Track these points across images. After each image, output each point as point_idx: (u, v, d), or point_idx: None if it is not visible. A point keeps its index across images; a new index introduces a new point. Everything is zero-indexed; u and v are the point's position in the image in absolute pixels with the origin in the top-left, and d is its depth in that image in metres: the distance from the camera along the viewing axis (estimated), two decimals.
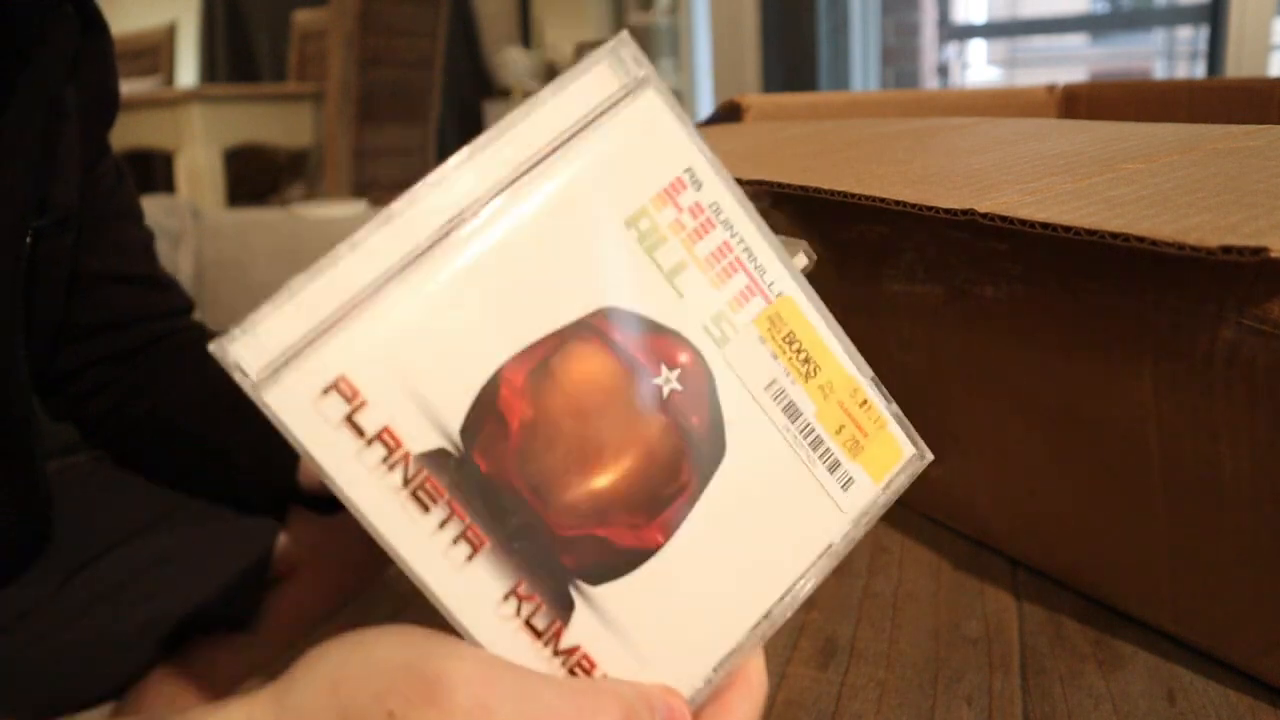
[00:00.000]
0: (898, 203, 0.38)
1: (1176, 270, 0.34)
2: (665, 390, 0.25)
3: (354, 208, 1.63)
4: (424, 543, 0.23)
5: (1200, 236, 0.28)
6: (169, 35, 2.97)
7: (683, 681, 0.26)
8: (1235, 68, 1.83)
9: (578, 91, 0.24)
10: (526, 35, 3.46)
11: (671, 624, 0.25)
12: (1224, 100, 0.70)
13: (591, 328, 0.24)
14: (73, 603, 0.53)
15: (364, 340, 0.22)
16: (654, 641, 0.25)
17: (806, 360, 0.27)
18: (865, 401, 0.28)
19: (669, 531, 0.25)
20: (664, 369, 0.25)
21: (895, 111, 0.80)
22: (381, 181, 2.32)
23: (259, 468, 0.55)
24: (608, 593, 0.25)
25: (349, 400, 0.22)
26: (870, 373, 0.28)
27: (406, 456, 0.22)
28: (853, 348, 0.28)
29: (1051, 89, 0.84)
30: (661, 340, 0.25)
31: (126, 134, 2.32)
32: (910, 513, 0.55)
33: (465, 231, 0.23)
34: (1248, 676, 0.39)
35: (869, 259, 0.49)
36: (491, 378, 0.23)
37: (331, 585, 0.60)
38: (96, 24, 0.53)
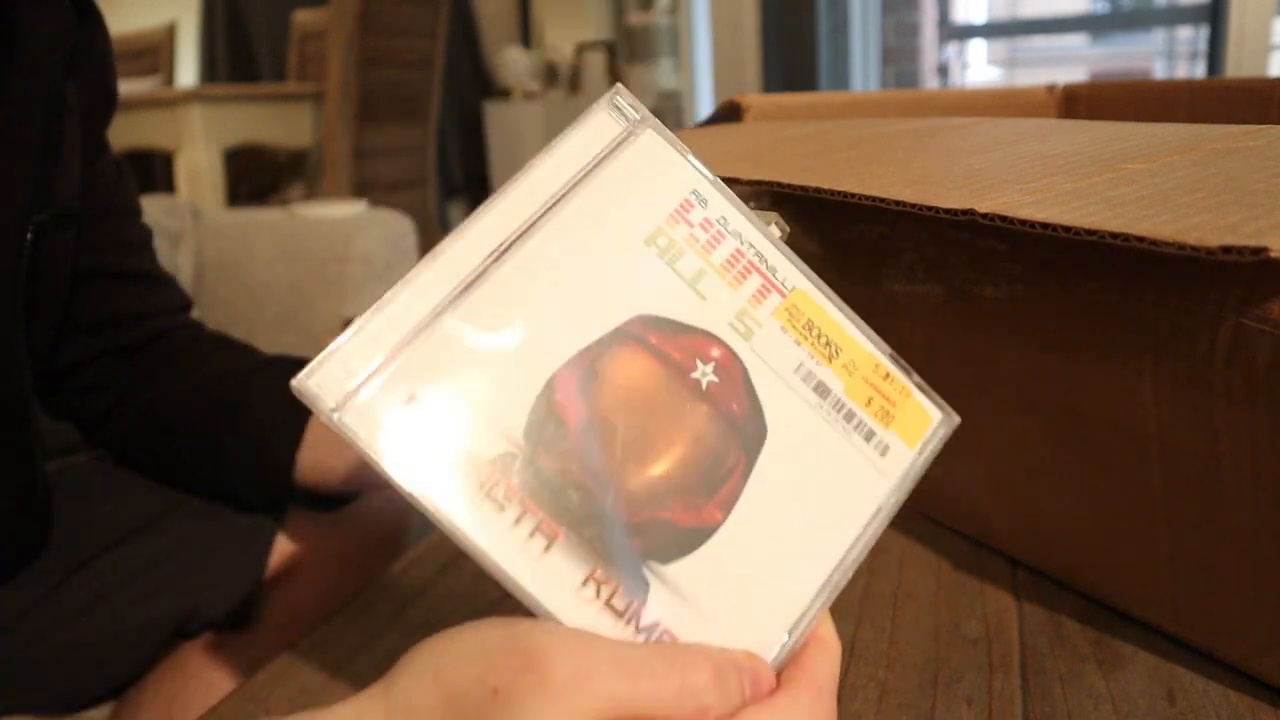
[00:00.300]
0: (898, 203, 0.38)
1: (1176, 270, 0.34)
2: (704, 383, 0.28)
3: (354, 208, 1.63)
4: (503, 539, 0.25)
5: (1200, 236, 0.28)
6: (169, 35, 2.97)
7: (760, 646, 0.27)
8: (1235, 68, 1.83)
9: (584, 138, 0.28)
10: (526, 35, 3.46)
11: (742, 594, 0.27)
12: (1224, 100, 0.70)
13: (629, 334, 0.27)
14: (72, 602, 0.53)
15: (428, 362, 0.25)
16: (728, 612, 0.27)
17: (828, 343, 0.30)
18: (888, 375, 0.30)
19: (727, 509, 0.27)
20: (699, 364, 0.28)
21: (895, 111, 0.80)
22: (381, 181, 2.32)
23: (257, 466, 0.55)
24: (679, 570, 0.26)
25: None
26: (888, 349, 0.31)
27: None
28: (868, 329, 0.30)
29: (1051, 89, 0.84)
30: (693, 339, 0.28)
31: (126, 134, 2.31)
32: (910, 513, 0.55)
33: (506, 263, 0.26)
34: (1248, 676, 0.39)
35: (869, 259, 0.49)
36: (545, 385, 0.26)
37: (330, 584, 0.60)
38: (92, 19, 0.53)
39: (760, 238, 0.29)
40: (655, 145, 0.29)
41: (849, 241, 0.49)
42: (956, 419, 0.31)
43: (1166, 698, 0.38)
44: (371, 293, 1.42)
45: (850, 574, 0.29)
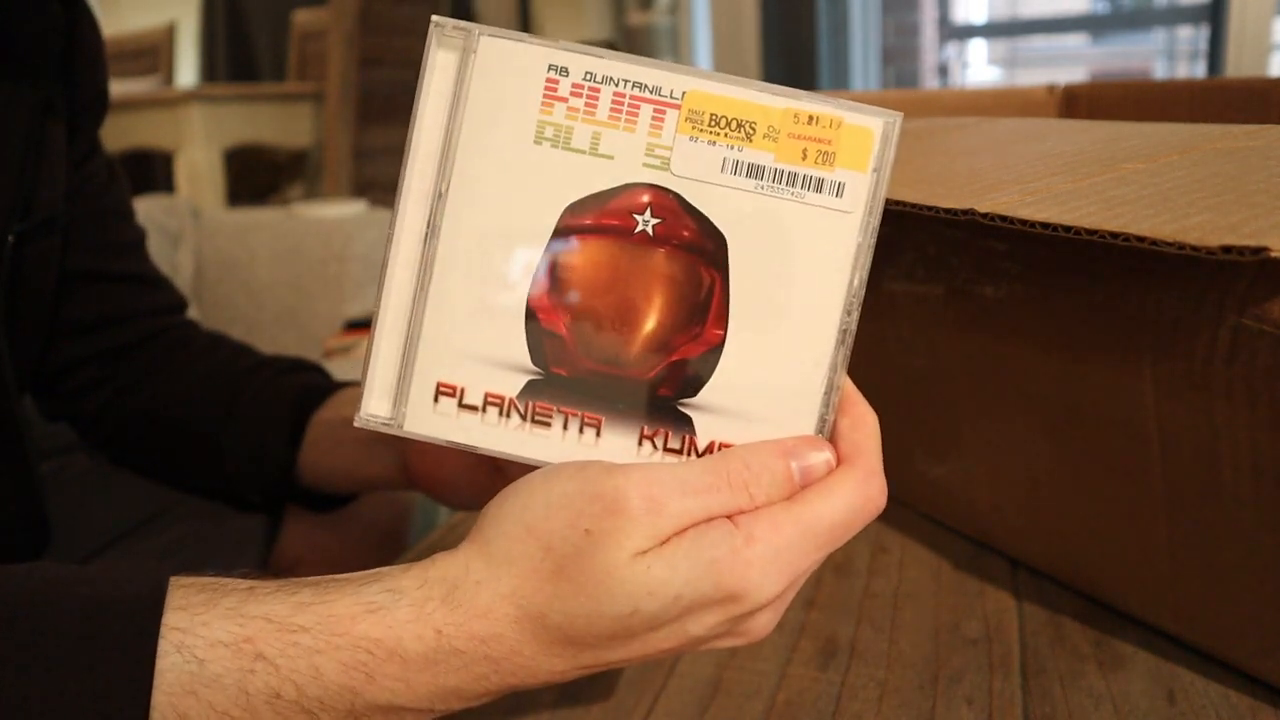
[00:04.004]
0: (898, 203, 0.38)
1: (1176, 270, 0.34)
2: (649, 229, 0.30)
3: (354, 208, 1.63)
4: (563, 445, 0.30)
5: (1200, 236, 0.28)
6: (168, 35, 2.96)
7: (803, 424, 0.30)
8: (1235, 68, 1.82)
9: (436, 83, 0.29)
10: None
11: (771, 387, 0.30)
12: (1224, 100, 0.70)
13: (565, 230, 0.30)
14: None
15: (431, 350, 0.30)
16: (766, 408, 0.30)
17: (739, 125, 0.30)
18: (811, 118, 0.30)
19: (723, 322, 0.30)
20: (636, 217, 0.30)
21: None
22: (381, 181, 2.32)
23: (254, 465, 0.54)
24: (708, 395, 0.30)
25: (453, 395, 0.30)
26: (798, 91, 0.30)
27: (512, 402, 0.30)
28: (770, 85, 0.30)
29: (1051, 89, 0.84)
30: (619, 200, 0.30)
31: (126, 134, 2.31)
32: (910, 513, 0.55)
33: (440, 237, 0.30)
34: (1248, 677, 0.39)
35: None
36: (527, 312, 0.30)
37: None
38: (83, 18, 0.53)
39: (631, 67, 0.29)
40: (495, 49, 0.29)
41: None
42: (897, 115, 0.30)
43: (1166, 698, 0.38)
44: (371, 293, 1.42)
45: (857, 313, 0.30)
